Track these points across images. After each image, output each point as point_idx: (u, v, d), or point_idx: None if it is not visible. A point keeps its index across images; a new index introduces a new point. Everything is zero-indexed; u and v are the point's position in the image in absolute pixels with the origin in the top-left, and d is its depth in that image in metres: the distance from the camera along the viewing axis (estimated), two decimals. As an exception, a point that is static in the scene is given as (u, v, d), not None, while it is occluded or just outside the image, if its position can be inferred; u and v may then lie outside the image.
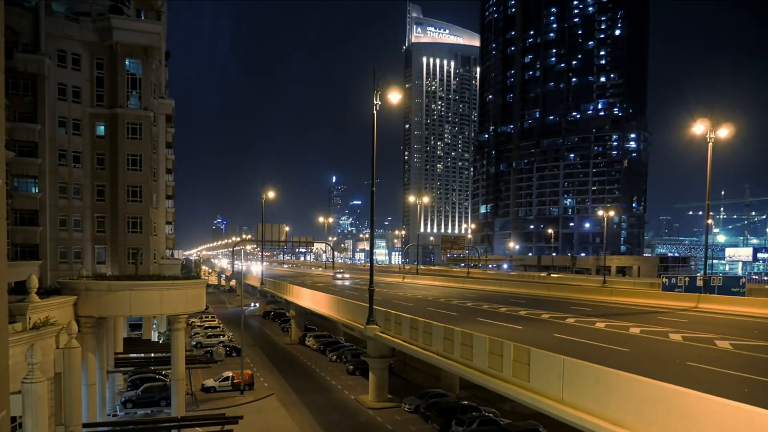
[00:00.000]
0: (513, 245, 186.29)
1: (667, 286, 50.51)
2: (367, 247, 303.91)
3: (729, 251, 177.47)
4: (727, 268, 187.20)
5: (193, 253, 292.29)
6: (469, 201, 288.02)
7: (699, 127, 41.67)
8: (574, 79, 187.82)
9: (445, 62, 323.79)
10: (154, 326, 56.74)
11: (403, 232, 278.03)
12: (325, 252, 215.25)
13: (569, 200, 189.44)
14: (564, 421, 17.52)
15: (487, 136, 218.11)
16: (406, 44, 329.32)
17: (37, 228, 41.61)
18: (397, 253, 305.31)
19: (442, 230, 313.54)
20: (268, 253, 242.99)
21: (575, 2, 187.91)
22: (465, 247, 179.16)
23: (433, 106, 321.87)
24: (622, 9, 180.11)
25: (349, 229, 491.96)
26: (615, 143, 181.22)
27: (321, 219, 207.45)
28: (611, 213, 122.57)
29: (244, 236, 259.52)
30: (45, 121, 41.86)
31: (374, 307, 35.33)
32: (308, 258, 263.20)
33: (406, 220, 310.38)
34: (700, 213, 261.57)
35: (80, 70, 44.20)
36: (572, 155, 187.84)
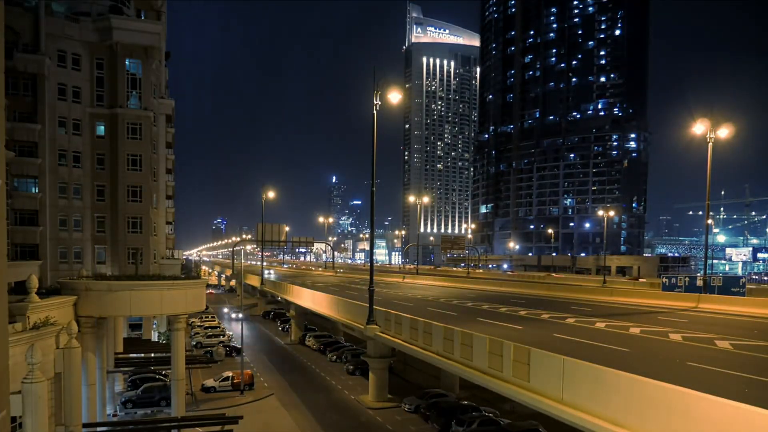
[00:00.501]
0: (513, 245, 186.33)
1: (667, 286, 50.49)
2: (367, 247, 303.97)
3: (729, 251, 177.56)
4: (727, 268, 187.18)
5: (193, 253, 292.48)
6: (469, 201, 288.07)
7: (699, 127, 41.67)
8: (574, 79, 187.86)
9: (445, 62, 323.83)
10: (154, 326, 56.74)
11: (403, 232, 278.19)
12: (325, 252, 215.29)
13: (569, 200, 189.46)
14: (564, 421, 17.52)
15: (487, 136, 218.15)
16: (406, 44, 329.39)
17: (37, 228, 41.62)
18: (397, 253, 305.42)
19: (442, 230, 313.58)
20: (268, 253, 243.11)
21: (575, 2, 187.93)
22: (465, 247, 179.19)
23: (433, 106, 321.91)
24: (622, 9, 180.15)
25: (349, 229, 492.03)
26: (615, 143, 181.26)
27: (321, 219, 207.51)
28: (611, 213, 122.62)
29: (244, 236, 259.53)
30: (45, 121, 41.88)
31: (374, 307, 35.32)
32: (308, 258, 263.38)
33: (406, 220, 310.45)
34: (700, 213, 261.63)
35: (80, 70, 44.21)
36: (572, 155, 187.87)
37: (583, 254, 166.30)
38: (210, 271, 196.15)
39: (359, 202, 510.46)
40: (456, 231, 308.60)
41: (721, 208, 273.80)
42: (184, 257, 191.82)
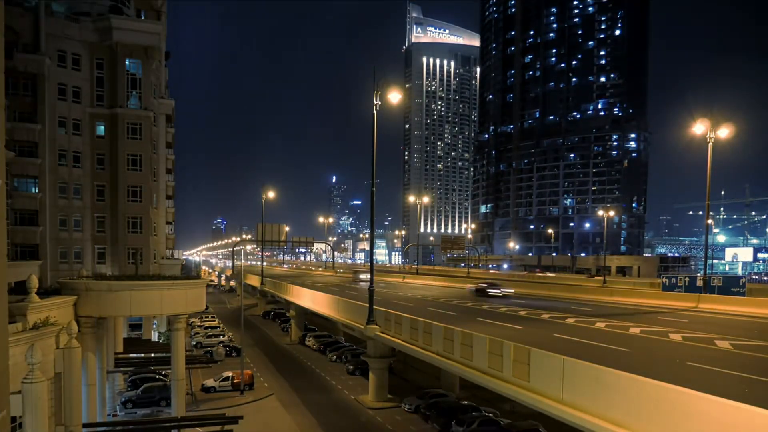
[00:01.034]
0: (513, 245, 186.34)
1: (667, 286, 50.49)
2: (367, 247, 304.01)
3: (729, 252, 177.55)
4: (727, 268, 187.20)
5: (193, 253, 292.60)
6: (469, 201, 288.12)
7: (699, 127, 41.66)
8: (574, 79, 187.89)
9: (445, 62, 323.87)
10: (154, 326, 56.73)
11: (403, 232, 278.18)
12: (325, 252, 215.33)
13: (569, 200, 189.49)
14: (564, 421, 17.52)
15: (487, 136, 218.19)
16: (406, 44, 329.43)
17: (37, 228, 41.61)
18: (397, 253, 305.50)
19: (442, 230, 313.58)
20: (268, 253, 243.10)
21: (575, 2, 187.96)
22: (465, 247, 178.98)
23: (433, 106, 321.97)
24: (622, 9, 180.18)
25: (349, 229, 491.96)
26: (615, 143, 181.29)
27: (321, 219, 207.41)
28: (611, 213, 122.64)
29: (244, 236, 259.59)
30: (45, 121, 41.86)
31: (374, 307, 35.33)
32: (308, 258, 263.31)
33: (406, 220, 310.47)
34: (700, 213, 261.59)
35: (80, 70, 44.20)
36: (572, 155, 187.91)
37: (583, 254, 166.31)
38: (210, 271, 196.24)
39: (359, 202, 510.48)
40: (456, 231, 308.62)
41: (721, 208, 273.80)
42: (184, 257, 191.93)
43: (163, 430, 28.84)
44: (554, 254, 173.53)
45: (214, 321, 77.64)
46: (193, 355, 52.21)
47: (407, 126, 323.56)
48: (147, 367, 42.56)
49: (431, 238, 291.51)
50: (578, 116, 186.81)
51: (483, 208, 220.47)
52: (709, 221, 54.65)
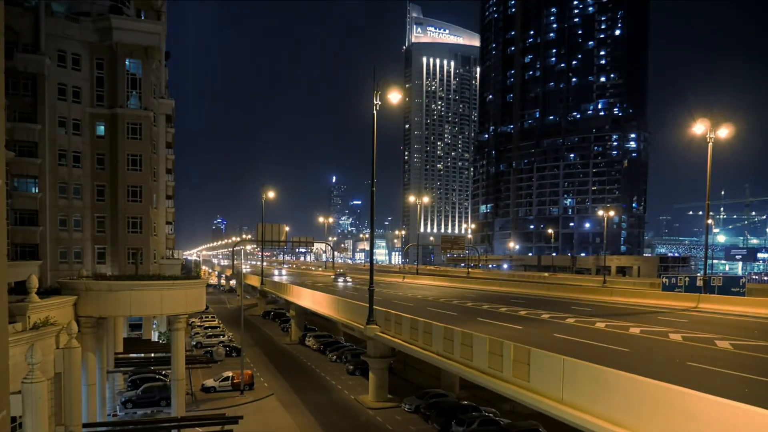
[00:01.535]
0: (513, 245, 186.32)
1: (667, 286, 50.49)
2: (367, 247, 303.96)
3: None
4: (727, 268, 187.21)
5: (193, 253, 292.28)
6: (469, 201, 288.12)
7: (699, 127, 41.66)
8: (574, 79, 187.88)
9: (445, 62, 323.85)
10: (154, 326, 56.73)
11: (403, 232, 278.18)
12: (325, 252, 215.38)
13: (569, 200, 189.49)
14: (564, 421, 17.52)
15: (487, 136, 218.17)
16: (406, 44, 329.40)
17: (37, 228, 41.60)
18: (397, 253, 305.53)
19: (442, 230, 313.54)
20: (268, 253, 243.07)
21: (575, 2, 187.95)
22: (465, 247, 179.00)
23: (433, 106, 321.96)
24: (622, 9, 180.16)
25: (349, 229, 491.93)
26: (615, 143, 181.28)
27: (321, 219, 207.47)
28: (611, 213, 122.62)
29: (244, 236, 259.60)
30: (45, 121, 41.85)
31: (374, 307, 35.34)
32: (308, 258, 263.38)
33: (406, 220, 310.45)
34: (700, 213, 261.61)
35: (80, 70, 44.19)
36: (572, 155, 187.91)
37: (583, 254, 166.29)
38: (210, 271, 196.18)
39: (359, 202, 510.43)
40: (456, 231, 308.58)
41: (721, 208, 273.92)
42: (184, 257, 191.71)
43: (163, 430, 28.84)
44: (554, 254, 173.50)
45: (214, 321, 77.66)
46: (193, 355, 52.22)
47: (407, 126, 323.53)
48: (147, 367, 42.55)
49: (431, 238, 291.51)
50: (578, 116, 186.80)
51: (483, 208, 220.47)
52: (709, 221, 54.64)
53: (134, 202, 45.72)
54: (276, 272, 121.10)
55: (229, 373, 44.81)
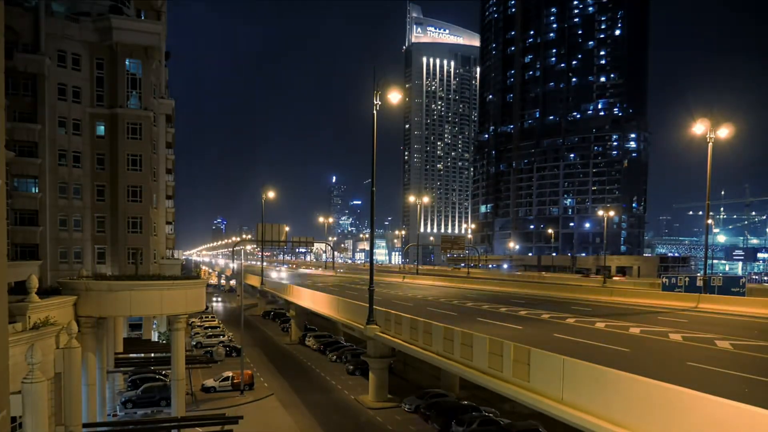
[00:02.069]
0: (513, 245, 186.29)
1: (667, 286, 50.49)
2: (367, 247, 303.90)
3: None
4: (727, 268, 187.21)
5: (193, 253, 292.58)
6: (469, 201, 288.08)
7: (699, 127, 41.65)
8: (574, 79, 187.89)
9: (445, 62, 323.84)
10: (154, 326, 56.72)
11: (403, 232, 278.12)
12: (324, 252, 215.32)
13: (569, 200, 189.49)
14: (564, 421, 17.52)
15: (487, 136, 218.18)
16: (406, 44, 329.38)
17: (37, 228, 41.59)
18: (397, 253, 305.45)
19: (442, 230, 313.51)
20: (268, 253, 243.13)
21: (575, 2, 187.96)
22: (465, 247, 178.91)
23: (433, 106, 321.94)
24: (622, 9, 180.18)
25: (349, 229, 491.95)
26: (615, 143, 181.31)
27: (321, 219, 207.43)
28: (611, 213, 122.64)
29: (244, 236, 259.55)
30: (45, 121, 41.84)
31: (374, 307, 35.32)
32: (308, 258, 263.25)
33: (406, 220, 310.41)
34: (700, 213, 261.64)
35: (80, 70, 44.17)
36: (572, 155, 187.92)
37: (583, 254, 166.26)
38: (210, 271, 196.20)
39: (359, 202, 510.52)
40: (456, 231, 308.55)
41: (721, 208, 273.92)
42: (184, 257, 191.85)
43: (163, 430, 28.84)
44: (554, 254, 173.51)
45: (214, 321, 77.68)
46: (193, 355, 52.23)
47: (407, 126, 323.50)
48: (147, 367, 42.55)
49: (431, 238, 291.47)
50: (578, 116, 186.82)
51: (483, 208, 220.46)
52: (709, 221, 54.64)
53: (134, 202, 45.72)
54: (274, 274, 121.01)
55: (229, 373, 44.81)
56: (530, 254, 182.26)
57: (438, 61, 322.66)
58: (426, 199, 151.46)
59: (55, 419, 21.84)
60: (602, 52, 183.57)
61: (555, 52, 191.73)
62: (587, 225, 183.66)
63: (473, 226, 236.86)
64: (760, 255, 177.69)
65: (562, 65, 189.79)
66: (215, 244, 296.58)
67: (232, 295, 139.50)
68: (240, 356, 48.52)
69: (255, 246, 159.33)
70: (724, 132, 41.10)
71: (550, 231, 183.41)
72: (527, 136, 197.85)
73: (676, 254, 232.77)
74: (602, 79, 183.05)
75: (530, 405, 19.50)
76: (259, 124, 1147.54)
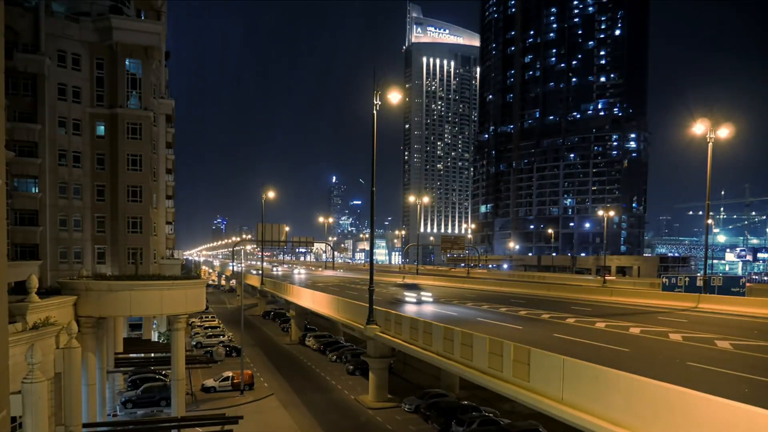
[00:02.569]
0: (513, 245, 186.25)
1: (667, 286, 50.48)
2: (367, 247, 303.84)
3: (729, 256, 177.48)
4: (727, 268, 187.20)
5: (193, 253, 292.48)
6: (469, 201, 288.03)
7: (699, 127, 41.64)
8: (574, 79, 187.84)
9: (445, 62, 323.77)
10: (154, 326, 56.72)
11: (403, 232, 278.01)
12: (324, 252, 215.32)
13: (569, 200, 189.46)
14: (564, 421, 17.52)
15: (487, 136, 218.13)
16: (406, 44, 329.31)
17: (37, 228, 41.61)
18: (397, 253, 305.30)
19: (442, 230, 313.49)
20: (268, 254, 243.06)
21: (575, 2, 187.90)
22: (465, 247, 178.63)
23: (433, 106, 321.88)
24: (622, 9, 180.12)
25: (349, 229, 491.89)
26: (615, 143, 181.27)
27: (321, 219, 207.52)
28: (611, 213, 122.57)
29: (244, 236, 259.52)
30: (45, 121, 41.86)
31: (374, 307, 35.33)
32: (308, 258, 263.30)
33: (406, 220, 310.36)
34: (700, 213, 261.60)
35: (80, 70, 44.19)
36: (572, 155, 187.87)
37: (583, 254, 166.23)
38: (210, 271, 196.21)
39: (359, 202, 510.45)
40: (456, 231, 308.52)
41: (721, 208, 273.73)
42: (184, 257, 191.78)
43: (163, 430, 28.84)
44: (554, 254, 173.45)
45: (214, 321, 77.67)
46: (193, 355, 52.21)
47: (407, 126, 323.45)
48: (147, 367, 42.54)
49: (431, 238, 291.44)
50: (578, 116, 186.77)
51: (483, 208, 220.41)
52: (709, 221, 54.63)
53: (134, 202, 45.73)
54: (275, 270, 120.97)
55: (229, 373, 44.81)
56: (530, 254, 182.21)
57: (438, 61, 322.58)
58: (426, 199, 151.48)
59: (55, 419, 21.83)
60: (602, 52, 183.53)
61: (555, 52, 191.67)
62: (587, 225, 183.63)
63: (473, 226, 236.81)
64: (760, 255, 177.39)
65: (562, 65, 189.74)
66: (215, 244, 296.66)
67: (232, 294, 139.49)
68: (240, 356, 48.52)
69: (255, 246, 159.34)
70: (724, 132, 41.08)
71: (550, 231, 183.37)
72: (527, 136, 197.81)
73: (676, 254, 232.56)
74: (602, 79, 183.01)
75: (530, 405, 19.49)
76: (259, 124, 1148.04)
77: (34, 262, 40.19)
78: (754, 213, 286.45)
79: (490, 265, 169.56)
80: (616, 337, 27.29)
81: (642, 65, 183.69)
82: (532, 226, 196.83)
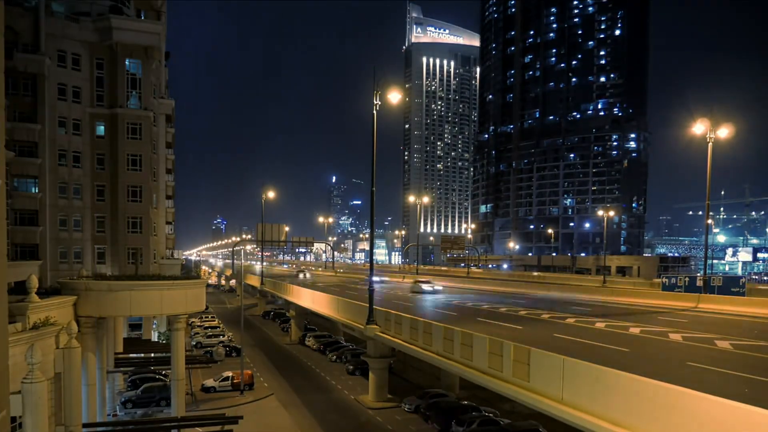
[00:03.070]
0: (513, 245, 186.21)
1: (667, 286, 50.48)
2: (367, 247, 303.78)
3: (729, 252, 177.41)
4: (727, 268, 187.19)
5: (193, 253, 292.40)
6: (469, 201, 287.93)
7: (699, 127, 41.67)
8: (574, 79, 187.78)
9: (445, 62, 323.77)
10: (154, 326, 56.72)
11: (403, 232, 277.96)
12: (324, 252, 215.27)
13: (569, 200, 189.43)
14: (564, 421, 17.52)
15: (487, 136, 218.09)
16: (406, 44, 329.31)
17: (37, 228, 41.60)
18: (397, 253, 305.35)
19: (442, 230, 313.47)
20: (268, 253, 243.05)
21: (575, 2, 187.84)
22: (465, 247, 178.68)
23: (433, 106, 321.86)
24: (622, 9, 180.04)
25: (349, 229, 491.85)
26: (615, 143, 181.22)
27: (321, 219, 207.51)
28: (611, 213, 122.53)
29: (244, 236, 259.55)
30: (45, 121, 41.85)
31: (374, 307, 35.33)
32: (308, 258, 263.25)
33: (406, 220, 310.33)
34: (700, 213, 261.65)
35: (80, 70, 44.19)
36: (572, 155, 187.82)
37: (583, 254, 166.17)
38: (210, 271, 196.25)
39: (359, 202, 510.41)
40: (456, 231, 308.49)
41: (721, 208, 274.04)
42: (184, 257, 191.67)
43: (163, 430, 28.83)
44: (554, 254, 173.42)
45: (214, 321, 77.67)
46: (193, 355, 52.21)
47: (407, 126, 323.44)
48: (147, 367, 42.54)
49: (431, 238, 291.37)
50: (578, 116, 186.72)
51: (483, 208, 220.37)
52: (709, 221, 54.64)
53: (134, 202, 45.73)
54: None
55: (229, 373, 44.81)
56: (530, 254, 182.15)
57: (438, 61, 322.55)
58: (426, 199, 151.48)
59: (55, 419, 21.83)
60: (602, 52, 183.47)
61: (555, 52, 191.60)
62: (587, 225, 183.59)
63: (473, 226, 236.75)
64: (760, 255, 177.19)
65: (562, 65, 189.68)
66: (215, 244, 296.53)
67: (232, 294, 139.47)
68: (240, 356, 48.52)
69: (255, 246, 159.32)
70: (724, 132, 41.11)
71: (550, 231, 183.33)
72: (527, 136, 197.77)
73: (676, 254, 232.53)
74: (602, 79, 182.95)
75: (530, 405, 19.50)
76: (259, 124, 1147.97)
77: (34, 262, 40.19)
78: (753, 213, 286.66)
79: (490, 265, 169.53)
80: (616, 337, 27.30)
81: (642, 65, 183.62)
82: (532, 226, 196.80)
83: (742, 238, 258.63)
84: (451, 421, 33.87)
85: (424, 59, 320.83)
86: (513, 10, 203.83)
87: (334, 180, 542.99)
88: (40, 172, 41.94)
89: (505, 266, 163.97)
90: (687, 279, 49.45)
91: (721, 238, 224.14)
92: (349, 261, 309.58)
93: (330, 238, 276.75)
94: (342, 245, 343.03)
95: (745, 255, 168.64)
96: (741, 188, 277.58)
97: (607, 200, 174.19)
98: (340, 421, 37.24)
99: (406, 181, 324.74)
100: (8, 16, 38.71)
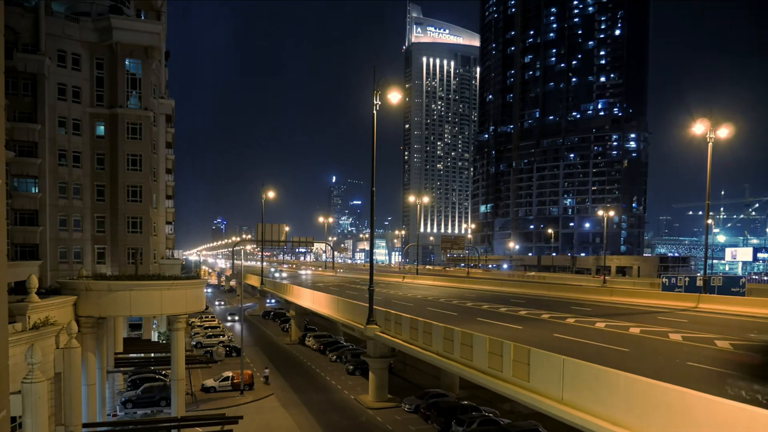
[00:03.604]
0: (513, 245, 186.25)
1: (667, 286, 50.51)
2: (367, 247, 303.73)
3: (728, 252, 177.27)
4: (727, 268, 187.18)
5: (193, 253, 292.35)
6: (469, 201, 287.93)
7: (699, 127, 41.65)
8: (574, 79, 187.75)
9: (445, 62, 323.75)
10: (154, 326, 56.69)
11: (403, 232, 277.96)
12: (324, 252, 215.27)
13: (569, 200, 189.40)
14: (564, 421, 17.52)
15: (487, 136, 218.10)
16: (406, 44, 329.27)
17: (37, 228, 41.61)
18: (397, 253, 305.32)
19: (442, 230, 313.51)
20: (268, 254, 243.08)
21: (575, 2, 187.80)
22: (465, 247, 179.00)
23: (433, 106, 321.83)
24: (622, 9, 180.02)
25: (349, 229, 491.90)
26: (615, 143, 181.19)
27: (321, 219, 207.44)
28: (611, 213, 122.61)
29: (244, 236, 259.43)
30: (45, 121, 41.87)
31: (374, 307, 35.33)
32: (308, 258, 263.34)
33: (406, 220, 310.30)
34: (700, 213, 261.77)
35: (80, 70, 44.20)
36: (572, 155, 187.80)
37: (583, 254, 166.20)
38: (210, 271, 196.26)
39: (359, 202, 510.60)
40: (456, 231, 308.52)
41: (721, 208, 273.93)
42: (184, 257, 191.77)
43: (163, 430, 28.82)
44: (554, 254, 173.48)
45: (214, 321, 77.67)
46: (193, 355, 52.21)
47: (407, 126, 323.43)
48: (147, 367, 42.53)
49: (431, 238, 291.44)
50: (578, 116, 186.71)
51: (483, 208, 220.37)
52: (709, 221, 54.66)
53: (134, 202, 45.74)
54: (276, 273, 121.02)
55: (229, 373, 44.81)
56: (530, 254, 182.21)
57: (438, 61, 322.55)
58: (426, 199, 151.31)
59: (55, 419, 21.84)
60: (602, 52, 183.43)
61: (555, 52, 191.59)
62: (587, 225, 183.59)
63: (473, 226, 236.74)
64: (760, 255, 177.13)
65: (562, 65, 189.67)
66: (215, 244, 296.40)
67: (232, 295, 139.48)
68: (240, 356, 48.51)
69: (255, 246, 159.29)
70: (724, 132, 41.10)
71: (550, 231, 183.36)
72: (527, 136, 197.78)
73: (676, 254, 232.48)
74: (602, 79, 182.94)
75: (530, 405, 19.50)
76: (259, 124, 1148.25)
77: (34, 262, 40.20)
78: (754, 213, 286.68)
79: (490, 265, 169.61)
80: (616, 337, 27.30)
81: (642, 65, 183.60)
82: (532, 226, 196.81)
83: (742, 238, 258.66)
84: (451, 421, 33.89)
85: (424, 59, 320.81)
86: (513, 10, 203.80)
87: (334, 180, 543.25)
88: (40, 172, 41.95)
89: (505, 266, 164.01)
90: (687, 279, 49.47)
91: (721, 238, 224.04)
92: (350, 261, 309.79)
93: (330, 238, 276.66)
94: (342, 245, 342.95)
95: (745, 255, 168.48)
96: (741, 188, 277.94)
97: (607, 200, 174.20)
98: (340, 421, 37.24)
99: (406, 181, 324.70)
100: (8, 16, 38.75)
